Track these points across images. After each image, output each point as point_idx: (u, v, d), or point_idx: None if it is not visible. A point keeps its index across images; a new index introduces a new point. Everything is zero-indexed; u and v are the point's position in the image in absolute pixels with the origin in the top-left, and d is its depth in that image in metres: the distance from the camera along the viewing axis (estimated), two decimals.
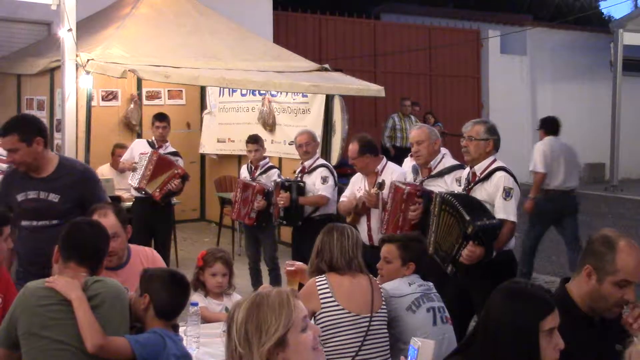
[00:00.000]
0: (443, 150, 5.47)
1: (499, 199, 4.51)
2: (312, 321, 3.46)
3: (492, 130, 4.73)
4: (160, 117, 7.74)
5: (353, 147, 5.67)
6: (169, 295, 3.09)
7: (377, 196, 5.39)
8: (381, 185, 5.36)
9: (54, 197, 4.12)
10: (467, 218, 4.25)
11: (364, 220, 5.57)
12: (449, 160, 5.34)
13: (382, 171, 5.63)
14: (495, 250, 4.39)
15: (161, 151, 7.48)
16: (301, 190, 6.44)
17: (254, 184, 6.97)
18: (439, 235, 4.49)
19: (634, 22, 15.87)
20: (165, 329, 3.06)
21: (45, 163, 4.17)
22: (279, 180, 6.64)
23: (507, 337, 2.34)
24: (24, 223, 4.13)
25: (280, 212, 6.44)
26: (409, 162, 6.73)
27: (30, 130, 4.11)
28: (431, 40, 15.57)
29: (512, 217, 4.51)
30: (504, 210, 4.49)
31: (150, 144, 7.57)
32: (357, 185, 5.75)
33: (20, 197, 4.14)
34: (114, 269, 3.72)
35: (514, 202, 4.54)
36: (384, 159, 5.76)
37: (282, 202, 6.36)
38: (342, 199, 5.89)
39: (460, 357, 2.48)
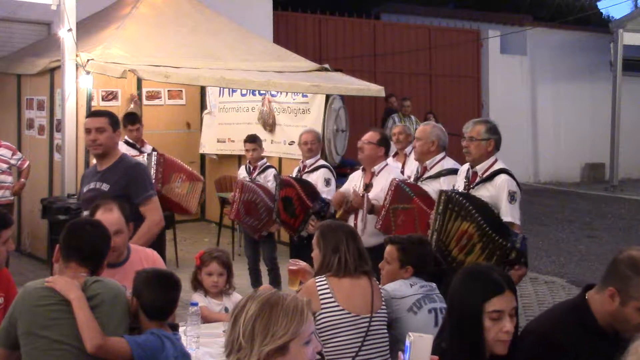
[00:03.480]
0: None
1: (505, 203, 4.50)
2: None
3: (493, 130, 4.71)
4: (133, 119, 7.73)
5: (373, 134, 5.65)
6: (151, 294, 3.06)
7: (363, 197, 5.39)
8: (367, 188, 5.36)
9: (105, 187, 4.46)
10: (506, 244, 4.22)
11: (351, 219, 5.56)
12: (449, 163, 5.30)
13: (379, 172, 5.60)
14: None
15: (143, 150, 7.48)
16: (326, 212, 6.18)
17: (271, 204, 6.65)
18: (444, 236, 4.42)
19: (634, 22, 15.87)
20: (161, 329, 3.05)
21: (111, 154, 4.58)
22: (314, 206, 6.11)
23: (455, 313, 2.49)
24: (84, 213, 4.43)
25: (304, 232, 6.14)
26: (392, 163, 6.76)
27: (116, 121, 4.65)
28: (431, 40, 15.57)
29: (517, 221, 4.51)
30: (511, 214, 4.48)
31: (132, 145, 7.55)
32: (354, 183, 5.74)
33: (85, 189, 4.59)
34: (112, 266, 3.73)
35: (518, 206, 4.56)
36: (385, 162, 5.73)
37: (311, 228, 5.98)
38: (337, 192, 5.90)
39: (439, 340, 2.53)
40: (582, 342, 2.67)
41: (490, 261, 4.24)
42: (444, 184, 5.10)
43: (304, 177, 6.49)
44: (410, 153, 6.89)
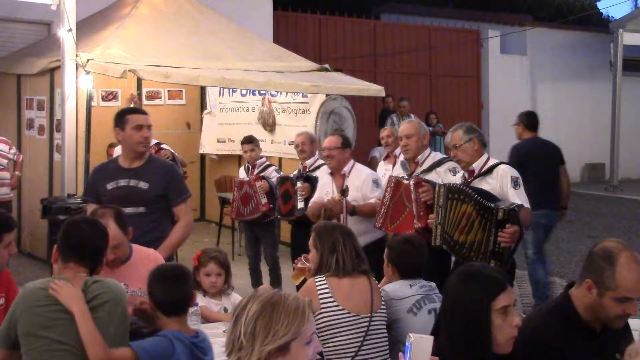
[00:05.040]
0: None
1: (510, 189, 4.54)
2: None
3: (470, 130, 4.78)
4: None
5: (334, 139, 5.70)
6: (162, 289, 3.05)
7: (341, 203, 5.41)
8: (344, 192, 5.39)
9: (143, 185, 4.44)
10: (492, 205, 4.28)
11: None
12: (437, 155, 5.38)
13: (349, 172, 5.64)
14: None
15: None
16: (316, 183, 6.39)
17: (247, 178, 7.07)
18: (448, 226, 4.47)
19: (634, 22, 15.86)
20: (179, 329, 3.00)
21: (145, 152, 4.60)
22: (293, 175, 6.58)
23: (461, 316, 2.44)
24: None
25: (299, 203, 6.32)
26: (383, 166, 6.80)
27: None
28: (431, 40, 15.57)
29: (527, 204, 4.54)
30: (519, 198, 4.51)
31: None
32: (325, 190, 5.74)
33: (110, 186, 4.48)
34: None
35: (523, 190, 4.59)
36: (353, 162, 5.76)
37: (303, 192, 6.25)
38: (310, 203, 5.88)
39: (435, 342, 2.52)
40: (568, 339, 2.69)
41: (485, 230, 4.30)
42: (441, 171, 5.18)
43: None
44: (400, 154, 6.93)
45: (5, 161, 7.64)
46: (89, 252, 3.07)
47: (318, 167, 6.59)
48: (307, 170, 6.61)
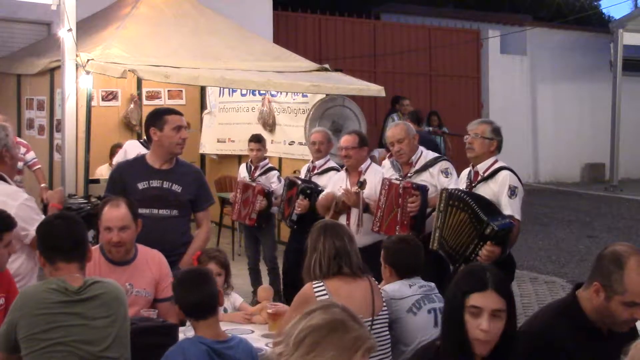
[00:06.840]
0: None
1: (504, 197, 4.52)
2: None
3: (497, 131, 4.78)
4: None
5: (351, 138, 5.60)
6: (185, 293, 3.04)
7: (358, 195, 5.32)
8: (362, 184, 5.29)
9: (177, 188, 4.40)
10: (485, 219, 4.25)
11: (343, 218, 5.44)
12: (429, 154, 5.35)
13: (365, 171, 5.56)
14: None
15: None
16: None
17: (254, 184, 6.93)
18: (446, 231, 4.48)
19: (634, 22, 15.87)
20: (206, 332, 2.96)
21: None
22: (300, 184, 6.25)
23: (444, 309, 2.60)
24: (144, 211, 4.27)
25: (294, 215, 6.16)
26: (388, 163, 6.72)
27: None
28: (431, 40, 15.57)
29: (517, 216, 4.52)
30: (510, 208, 4.49)
31: (144, 144, 7.54)
32: (339, 185, 5.64)
33: (141, 185, 4.38)
34: (119, 264, 3.76)
35: (519, 201, 4.57)
36: (369, 160, 5.70)
37: (299, 209, 6.05)
38: (321, 196, 5.79)
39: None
40: (574, 340, 2.68)
41: (470, 237, 4.30)
42: (434, 172, 5.18)
43: (313, 178, 6.40)
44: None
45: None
46: (71, 246, 2.98)
47: (327, 171, 6.42)
48: (316, 171, 6.47)
